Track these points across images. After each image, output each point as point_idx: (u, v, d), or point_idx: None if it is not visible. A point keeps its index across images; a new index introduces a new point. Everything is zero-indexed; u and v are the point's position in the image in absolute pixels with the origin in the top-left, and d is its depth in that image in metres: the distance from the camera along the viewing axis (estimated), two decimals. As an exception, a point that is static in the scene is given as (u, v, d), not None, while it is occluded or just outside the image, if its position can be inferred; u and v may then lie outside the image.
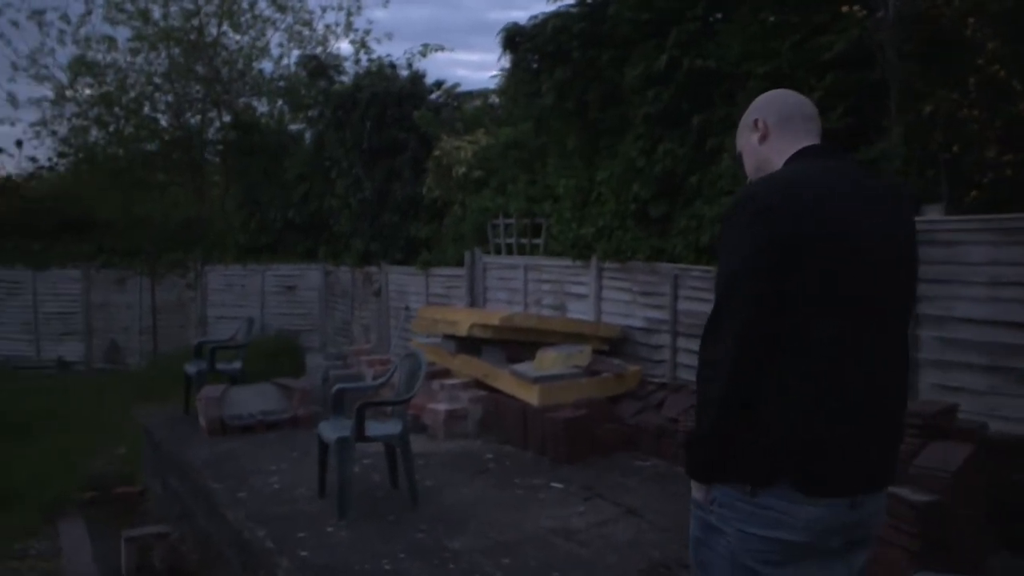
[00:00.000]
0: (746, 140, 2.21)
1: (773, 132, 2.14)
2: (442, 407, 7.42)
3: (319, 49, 15.31)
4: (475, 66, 45.53)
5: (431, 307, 9.65)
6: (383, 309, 12.33)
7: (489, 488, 5.89)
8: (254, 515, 5.43)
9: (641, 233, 7.94)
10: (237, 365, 8.44)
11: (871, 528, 2.02)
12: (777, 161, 2.10)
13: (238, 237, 14.73)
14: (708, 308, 2.00)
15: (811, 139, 2.12)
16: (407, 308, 11.62)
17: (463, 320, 7.84)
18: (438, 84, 12.46)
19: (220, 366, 8.25)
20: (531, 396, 6.92)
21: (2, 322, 15.89)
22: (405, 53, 12.73)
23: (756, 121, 2.18)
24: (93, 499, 7.89)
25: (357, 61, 12.90)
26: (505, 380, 7.30)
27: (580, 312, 8.67)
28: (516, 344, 7.75)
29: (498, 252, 10.10)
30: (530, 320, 8.04)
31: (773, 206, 1.89)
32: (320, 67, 13.60)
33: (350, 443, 5.22)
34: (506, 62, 9.24)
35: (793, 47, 6.30)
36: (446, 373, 8.04)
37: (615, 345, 7.99)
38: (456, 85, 12.63)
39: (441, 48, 12.90)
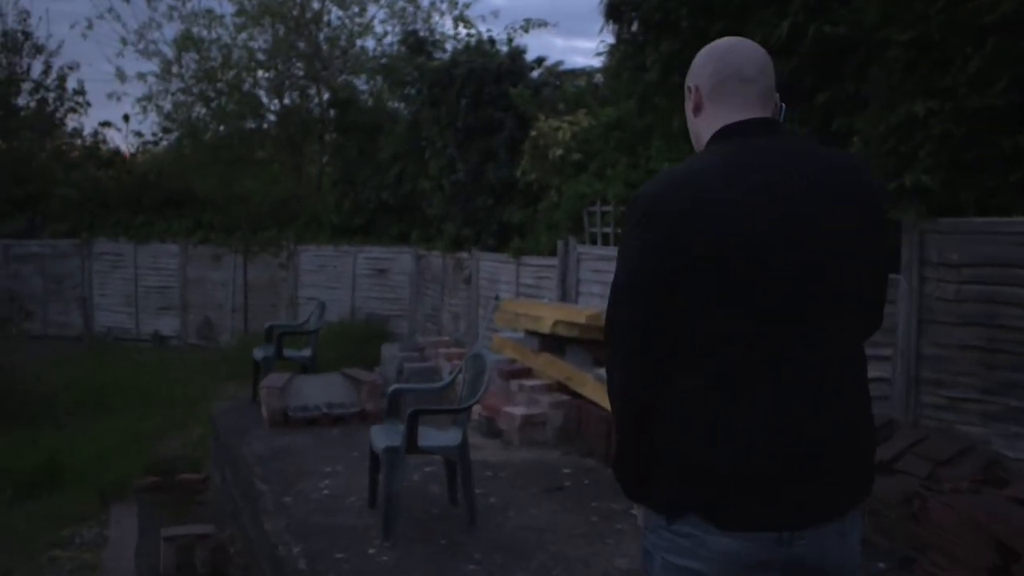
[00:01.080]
0: (686, 107, 1.89)
1: (706, 102, 1.81)
2: (519, 411, 6.73)
3: (422, 26, 14.78)
4: (591, 53, 44.39)
5: (514, 300, 8.96)
6: (473, 298, 11.72)
7: (561, 511, 5.17)
8: (295, 526, 4.88)
9: (752, 226, 7.03)
10: (307, 352, 7.95)
11: (829, 569, 1.70)
12: (705, 139, 1.81)
13: (332, 217, 14.40)
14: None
15: (746, 111, 1.76)
16: (497, 298, 10.97)
17: (547, 316, 7.12)
18: (539, 61, 11.70)
19: (289, 353, 7.79)
20: (616, 405, 6.14)
21: (106, 294, 16.12)
22: (506, 28, 11.86)
23: (690, 89, 1.85)
24: (155, 484, 7.55)
25: (456, 36, 12.25)
26: (589, 385, 6.54)
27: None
28: (605, 345, 6.97)
29: (594, 242, 9.31)
30: (621, 319, 7.23)
31: (654, 212, 1.66)
32: (419, 42, 13.05)
33: (400, 454, 4.58)
34: (609, 34, 8.43)
35: (945, 9, 5.27)
36: (527, 373, 7.35)
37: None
38: (559, 63, 11.86)
39: (544, 23, 12.04)
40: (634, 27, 7.99)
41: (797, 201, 1.65)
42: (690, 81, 1.85)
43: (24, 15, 19.91)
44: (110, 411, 10.15)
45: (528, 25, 11.96)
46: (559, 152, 9.92)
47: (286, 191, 15.50)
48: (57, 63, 19.69)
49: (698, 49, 6.85)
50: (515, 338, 7.86)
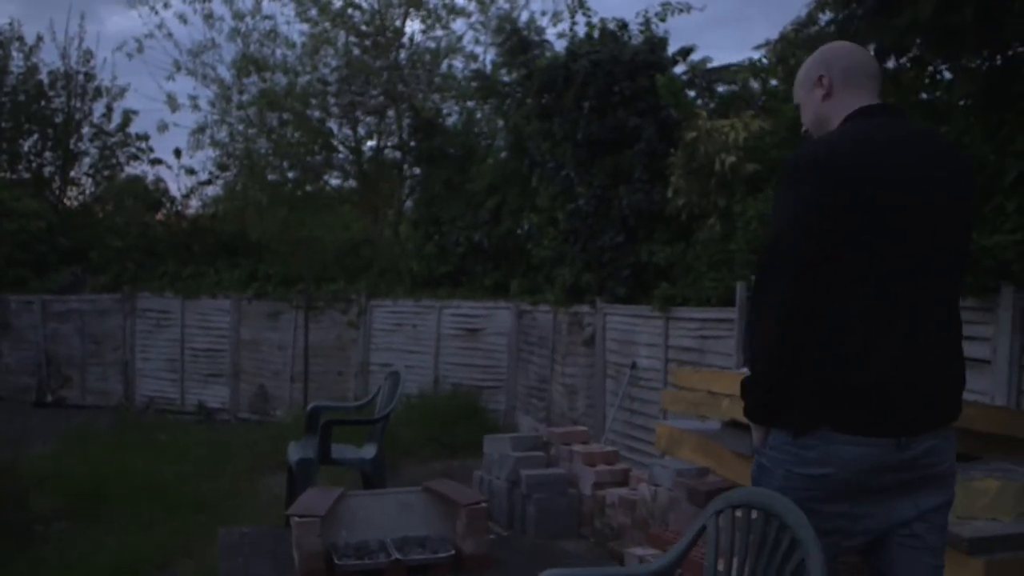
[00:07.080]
0: (807, 94, 2.24)
1: (837, 90, 2.17)
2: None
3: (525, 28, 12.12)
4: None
5: (693, 370, 5.93)
6: (597, 365, 8.77)
7: None
8: None
9: None
10: (371, 452, 5.04)
11: (932, 468, 2.08)
12: (836, 120, 2.15)
13: (412, 265, 11.72)
14: None
15: (871, 98, 2.15)
16: (634, 366, 8.03)
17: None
18: (684, 52, 8.88)
19: (340, 452, 4.93)
20: (963, 580, 3.12)
21: (149, 358, 13.70)
22: (637, 16, 9.10)
23: (821, 78, 2.20)
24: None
25: (573, 24, 9.50)
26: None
27: (978, 389, 4.74)
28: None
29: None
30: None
31: (813, 167, 2.00)
32: (523, 43, 10.40)
33: None
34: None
35: None
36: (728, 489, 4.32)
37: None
38: (707, 59, 9.01)
39: (687, 8, 9.23)
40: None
41: (923, 165, 2.06)
42: (820, 71, 2.20)
43: (87, 55, 18.32)
44: (109, 517, 7.46)
45: (665, 12, 9.18)
46: (731, 160, 7.05)
47: (358, 235, 12.92)
48: (120, 105, 18.03)
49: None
50: (700, 430, 4.86)
